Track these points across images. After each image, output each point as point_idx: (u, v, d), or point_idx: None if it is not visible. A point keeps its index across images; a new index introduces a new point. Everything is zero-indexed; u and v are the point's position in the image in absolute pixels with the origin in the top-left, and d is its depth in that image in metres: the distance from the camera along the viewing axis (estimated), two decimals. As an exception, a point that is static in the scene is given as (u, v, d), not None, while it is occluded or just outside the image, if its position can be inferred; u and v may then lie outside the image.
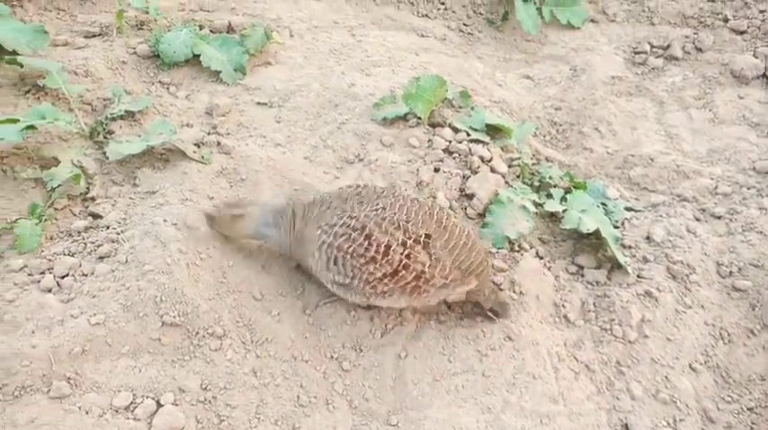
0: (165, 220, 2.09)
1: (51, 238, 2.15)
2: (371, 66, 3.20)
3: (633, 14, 4.07)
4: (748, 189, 2.70)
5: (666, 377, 2.04)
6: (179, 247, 2.00)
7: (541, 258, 2.36)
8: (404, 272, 1.85)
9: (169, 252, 1.99)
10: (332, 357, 1.97)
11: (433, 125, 2.74)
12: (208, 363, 1.84)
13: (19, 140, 2.19)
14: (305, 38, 3.36)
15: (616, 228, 2.51)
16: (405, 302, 1.94)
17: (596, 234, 2.37)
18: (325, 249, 1.88)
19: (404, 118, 2.75)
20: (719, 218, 2.57)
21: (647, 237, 2.47)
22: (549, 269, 2.33)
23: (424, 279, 1.87)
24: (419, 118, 2.72)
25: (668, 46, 3.70)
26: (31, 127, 2.26)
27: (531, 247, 2.37)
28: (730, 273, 2.33)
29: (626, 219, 2.56)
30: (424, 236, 1.87)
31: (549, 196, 2.49)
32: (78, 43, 3.02)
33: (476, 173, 2.48)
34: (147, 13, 3.22)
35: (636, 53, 3.71)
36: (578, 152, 3.05)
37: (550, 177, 2.56)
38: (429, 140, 2.65)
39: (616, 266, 2.34)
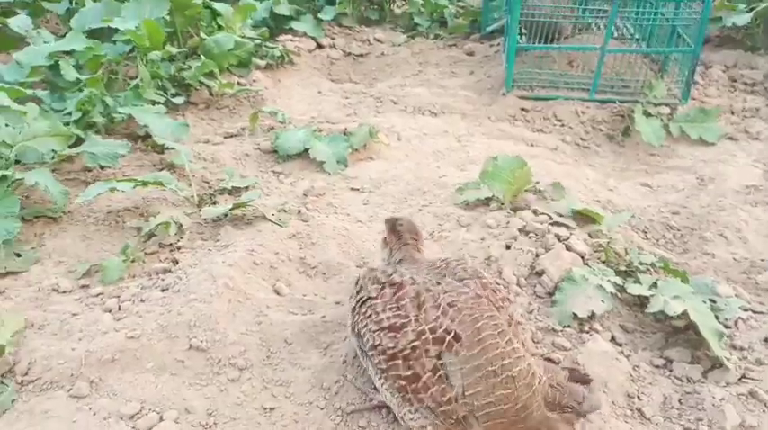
0: (223, 261, 2.20)
1: (134, 277, 2.36)
2: (468, 163, 3.24)
3: (780, 131, 3.70)
4: None
5: (771, 498, 1.52)
6: (226, 282, 2.08)
7: (619, 345, 2.02)
8: (400, 362, 1.57)
9: (216, 286, 2.07)
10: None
11: (516, 210, 2.63)
12: (221, 391, 1.80)
13: (129, 189, 2.53)
14: (412, 142, 3.55)
15: (726, 328, 2.08)
16: (393, 402, 1.65)
17: (695, 329, 1.99)
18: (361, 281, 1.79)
19: (485, 202, 2.70)
20: None
21: (766, 340, 2.00)
22: (627, 357, 1.97)
23: (415, 387, 1.56)
24: (501, 203, 2.64)
25: (820, 157, 3.25)
26: (144, 183, 2.61)
27: (605, 331, 2.04)
28: None
29: (740, 318, 2.12)
30: (453, 334, 1.55)
31: (637, 281, 2.18)
32: (216, 140, 3.53)
33: (549, 250, 2.28)
34: (281, 122, 3.69)
35: (778, 165, 3.30)
36: (696, 256, 2.67)
37: (641, 263, 2.26)
38: (507, 222, 2.54)
39: (716, 365, 1.90)
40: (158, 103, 3.54)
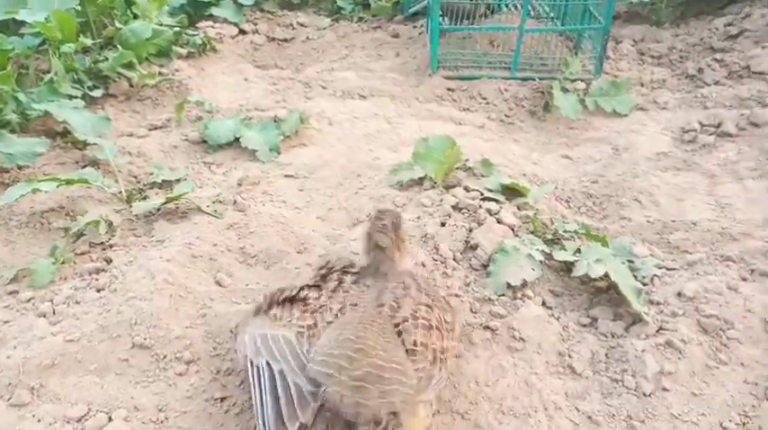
0: (160, 257, 2.17)
1: (65, 279, 2.29)
2: (400, 144, 3.31)
3: (685, 101, 3.98)
4: (808, 248, 2.37)
5: (688, 434, 1.69)
6: (165, 278, 2.06)
7: (549, 308, 2.16)
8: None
9: (155, 282, 2.04)
10: (300, 393, 1.84)
11: (448, 187, 2.73)
12: (170, 386, 1.80)
13: (52, 189, 2.44)
14: (343, 126, 3.58)
15: (644, 285, 2.26)
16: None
17: (617, 288, 2.15)
18: None
19: (419, 182, 2.78)
20: (771, 276, 2.25)
21: (679, 294, 2.19)
22: (557, 319, 2.11)
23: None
24: (434, 182, 2.73)
25: (720, 123, 3.52)
26: (69, 182, 2.52)
27: (537, 296, 2.18)
28: (781, 330, 1.99)
29: (656, 276, 2.30)
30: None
31: (563, 248, 2.33)
32: (140, 133, 3.42)
33: (482, 224, 2.39)
34: (209, 111, 3.62)
35: (685, 131, 3.56)
36: (615, 221, 2.86)
37: (565, 231, 2.41)
38: (441, 200, 2.63)
39: (637, 320, 2.07)
40: (75, 97, 3.39)
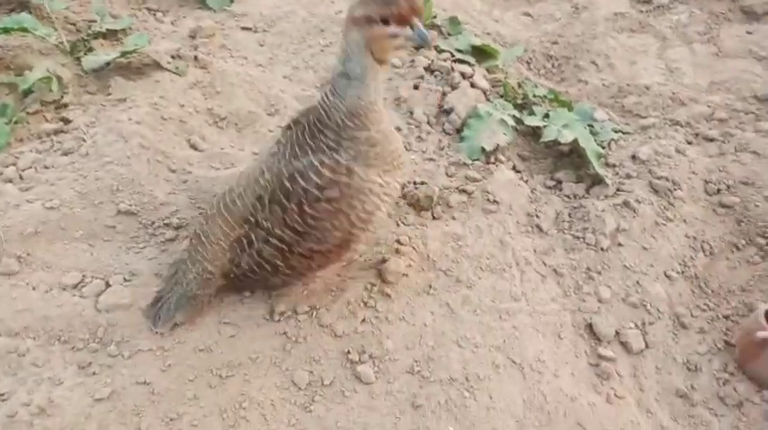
0: (129, 119, 2.07)
1: (21, 140, 2.15)
2: (361, -4, 3.13)
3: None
4: (746, 114, 2.58)
5: (638, 282, 1.94)
6: (139, 142, 1.99)
7: (519, 172, 2.28)
8: None
9: (129, 146, 1.97)
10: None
11: (418, 47, 2.67)
12: (162, 252, 1.83)
13: (-10, 40, 2.20)
14: (298, -28, 3.31)
15: (602, 148, 2.40)
16: None
17: (578, 152, 2.29)
18: None
19: (387, 40, 2.69)
20: (712, 140, 2.45)
21: (633, 157, 2.36)
22: (526, 182, 2.25)
23: None
24: (403, 40, 2.65)
25: (676, -16, 3.54)
26: (7, 30, 2.26)
27: (508, 160, 2.29)
28: (718, 190, 2.22)
29: (613, 140, 2.45)
30: None
31: (532, 113, 2.40)
32: (70, -29, 3.03)
33: (455, 88, 2.41)
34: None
35: (642, -9, 3.57)
36: (572, 84, 2.94)
37: (534, 95, 2.47)
38: (412, 60, 2.59)
39: (597, 182, 2.24)
40: None
